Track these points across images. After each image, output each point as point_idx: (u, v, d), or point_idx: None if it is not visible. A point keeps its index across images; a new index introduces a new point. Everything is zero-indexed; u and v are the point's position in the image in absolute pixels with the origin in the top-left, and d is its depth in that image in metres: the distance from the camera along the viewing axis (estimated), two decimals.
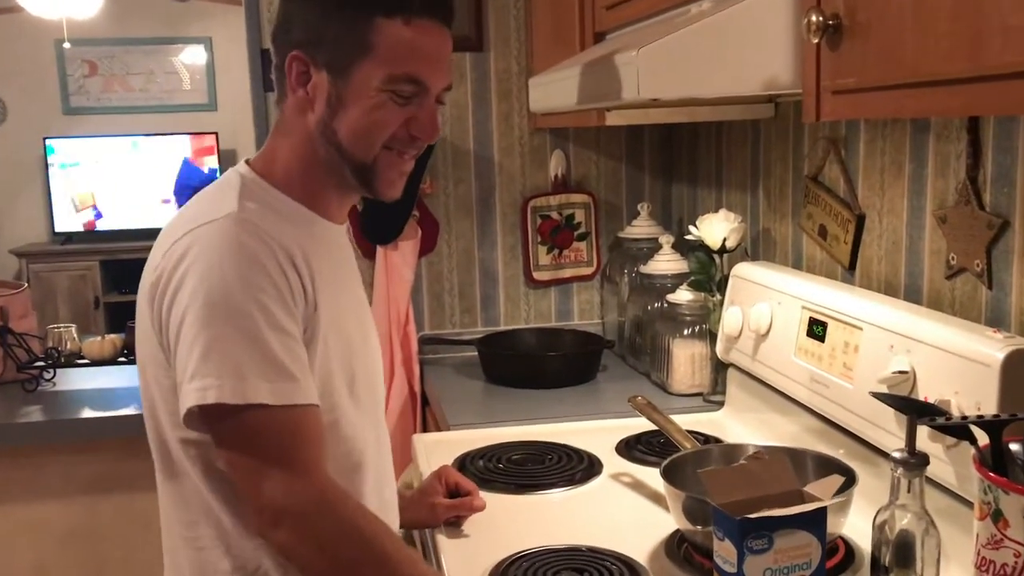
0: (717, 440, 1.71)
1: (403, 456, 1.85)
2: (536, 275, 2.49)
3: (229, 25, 5.60)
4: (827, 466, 1.32)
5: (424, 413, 2.38)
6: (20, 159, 5.88)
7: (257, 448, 1.03)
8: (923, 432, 1.10)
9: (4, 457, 2.08)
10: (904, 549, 0.98)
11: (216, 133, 5.90)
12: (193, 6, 5.84)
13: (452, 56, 1.16)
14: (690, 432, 1.59)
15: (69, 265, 5.58)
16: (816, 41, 1.00)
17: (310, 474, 1.04)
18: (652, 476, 1.53)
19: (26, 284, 2.51)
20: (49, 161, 5.79)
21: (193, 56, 6.12)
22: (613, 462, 1.66)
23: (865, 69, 0.95)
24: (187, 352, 1.02)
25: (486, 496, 1.48)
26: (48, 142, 5.78)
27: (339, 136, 1.12)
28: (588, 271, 2.52)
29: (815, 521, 0.94)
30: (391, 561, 1.07)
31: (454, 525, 1.40)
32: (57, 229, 5.83)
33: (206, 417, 1.03)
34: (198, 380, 1.01)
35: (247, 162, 1.19)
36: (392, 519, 1.27)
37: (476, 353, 2.28)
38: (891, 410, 1.29)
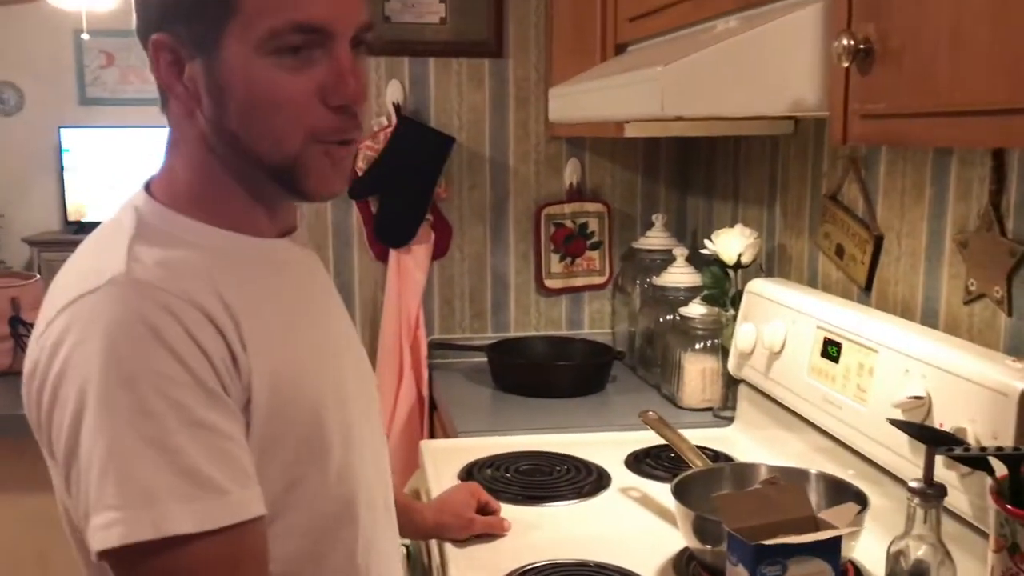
0: (727, 457, 1.71)
1: (410, 462, 1.85)
2: (548, 283, 2.48)
3: None
4: (838, 488, 1.31)
5: (432, 418, 2.38)
6: (35, 148, 5.90)
7: None
8: (938, 458, 1.09)
9: (9, 448, 2.07)
10: None
11: None
12: None
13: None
14: (700, 448, 1.58)
15: None
16: (846, 65, 0.99)
17: None
18: (661, 491, 1.52)
19: (38, 275, 2.51)
20: (64, 149, 5.80)
21: None
22: (622, 476, 1.65)
23: (896, 95, 0.94)
24: (84, 474, 0.77)
25: None
26: (62, 131, 5.80)
27: (239, 136, 0.85)
28: (600, 280, 2.51)
29: (830, 549, 0.94)
30: None
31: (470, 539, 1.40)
32: (69, 218, 5.85)
33: (116, 560, 0.78)
34: (99, 514, 0.76)
35: (147, 187, 0.93)
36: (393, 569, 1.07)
37: (486, 359, 2.28)
38: (905, 435, 1.29)
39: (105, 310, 0.79)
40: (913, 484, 0.97)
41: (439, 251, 2.42)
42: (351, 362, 1.02)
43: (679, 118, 1.18)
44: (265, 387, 0.84)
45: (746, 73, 1.14)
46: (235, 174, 0.88)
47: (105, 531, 0.76)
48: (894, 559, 0.99)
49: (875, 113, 0.99)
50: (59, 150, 5.84)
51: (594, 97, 1.45)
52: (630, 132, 1.79)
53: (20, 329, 2.30)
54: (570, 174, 2.46)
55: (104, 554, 0.77)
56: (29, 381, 0.83)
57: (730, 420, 1.92)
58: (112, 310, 0.79)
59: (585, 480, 1.62)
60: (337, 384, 0.95)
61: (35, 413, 0.84)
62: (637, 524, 1.48)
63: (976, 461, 1.03)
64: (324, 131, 0.85)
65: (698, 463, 1.49)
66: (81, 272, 0.83)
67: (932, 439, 1.03)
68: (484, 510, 1.42)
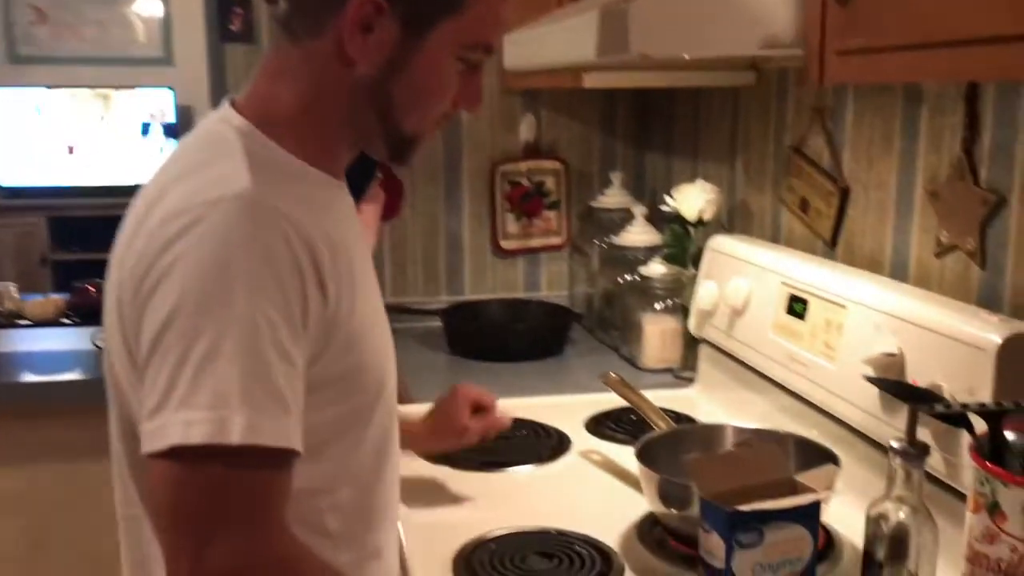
0: (689, 419, 1.66)
1: None
2: (504, 244, 2.41)
3: None
4: (811, 450, 1.27)
5: None
6: None
7: (223, 498, 0.79)
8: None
9: None
10: (899, 544, 0.92)
11: (172, 88, 5.71)
12: None
13: None
14: (662, 410, 1.53)
15: (15, 221, 5.38)
16: None
17: (272, 534, 0.82)
18: (623, 454, 1.47)
19: None
20: None
21: (148, 7, 5.91)
22: (582, 439, 1.60)
23: (879, 27, 0.88)
24: (174, 368, 0.79)
25: (450, 474, 1.43)
26: None
27: (393, 101, 0.93)
28: (558, 241, 2.44)
29: (809, 514, 0.88)
30: None
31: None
32: (3, 184, 5.62)
33: (176, 455, 0.78)
34: (184, 411, 0.78)
35: (232, 105, 0.95)
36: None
37: (440, 323, 2.21)
38: (875, 392, 1.24)
39: (229, 221, 0.82)
40: (895, 444, 0.92)
41: (390, 212, 2.32)
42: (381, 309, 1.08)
43: (646, 58, 1.11)
44: (346, 323, 0.90)
45: (717, 9, 1.07)
46: (352, 123, 0.95)
47: (186, 428, 0.77)
48: (874, 523, 0.94)
49: (855, 48, 0.92)
50: None
51: (556, 39, 1.36)
52: (589, 83, 1.72)
53: None
54: (526, 130, 2.38)
55: (170, 450, 0.78)
56: (135, 268, 0.85)
57: (691, 381, 1.88)
58: (235, 222, 0.82)
59: (544, 444, 1.57)
60: (379, 310, 1.04)
61: (127, 296, 0.85)
62: (599, 488, 1.43)
63: (955, 419, 0.99)
64: (444, 119, 0.99)
65: (662, 425, 1.44)
66: (200, 182, 0.86)
67: (914, 396, 0.98)
68: (479, 408, 1.37)
